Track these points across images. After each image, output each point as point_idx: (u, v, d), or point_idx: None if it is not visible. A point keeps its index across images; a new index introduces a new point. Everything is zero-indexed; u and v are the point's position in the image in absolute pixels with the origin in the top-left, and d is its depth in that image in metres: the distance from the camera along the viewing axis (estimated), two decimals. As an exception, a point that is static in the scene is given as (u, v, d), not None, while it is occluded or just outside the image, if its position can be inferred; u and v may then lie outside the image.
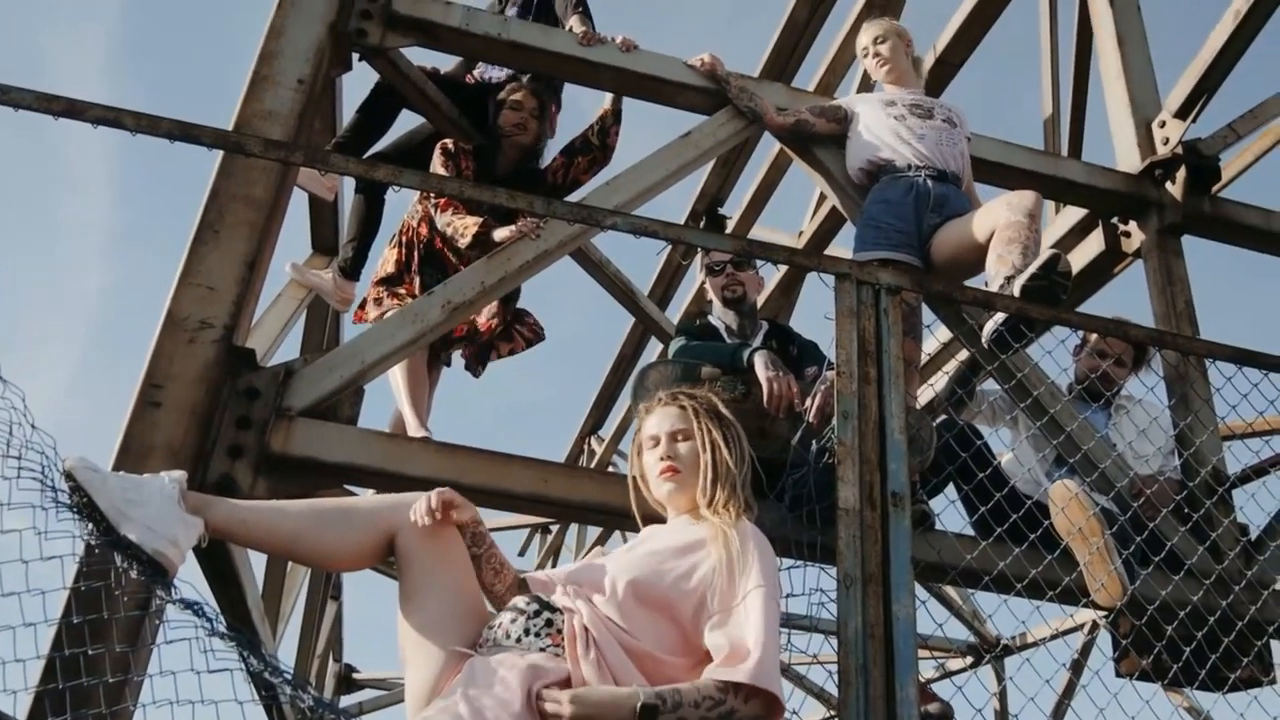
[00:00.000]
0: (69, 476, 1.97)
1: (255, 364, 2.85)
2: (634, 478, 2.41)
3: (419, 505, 2.08)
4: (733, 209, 7.95)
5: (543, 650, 1.94)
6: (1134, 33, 4.30)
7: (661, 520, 2.34)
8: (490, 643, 1.99)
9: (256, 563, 3.75)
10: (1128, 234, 4.10)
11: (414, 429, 3.54)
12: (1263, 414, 2.86)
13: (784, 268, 6.12)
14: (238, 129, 3.17)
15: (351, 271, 4.36)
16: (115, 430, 2.63)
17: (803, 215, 7.51)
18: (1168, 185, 3.99)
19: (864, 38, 3.94)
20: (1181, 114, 4.04)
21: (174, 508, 2.04)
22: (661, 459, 2.28)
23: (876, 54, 3.87)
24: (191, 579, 2.07)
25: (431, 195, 3.68)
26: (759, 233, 7.79)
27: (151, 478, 2.10)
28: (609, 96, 4.10)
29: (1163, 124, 4.11)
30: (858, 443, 2.40)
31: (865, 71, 4.14)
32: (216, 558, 2.72)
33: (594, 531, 8.64)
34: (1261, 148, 5.32)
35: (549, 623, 1.98)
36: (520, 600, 2.04)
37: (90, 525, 1.96)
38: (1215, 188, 4.11)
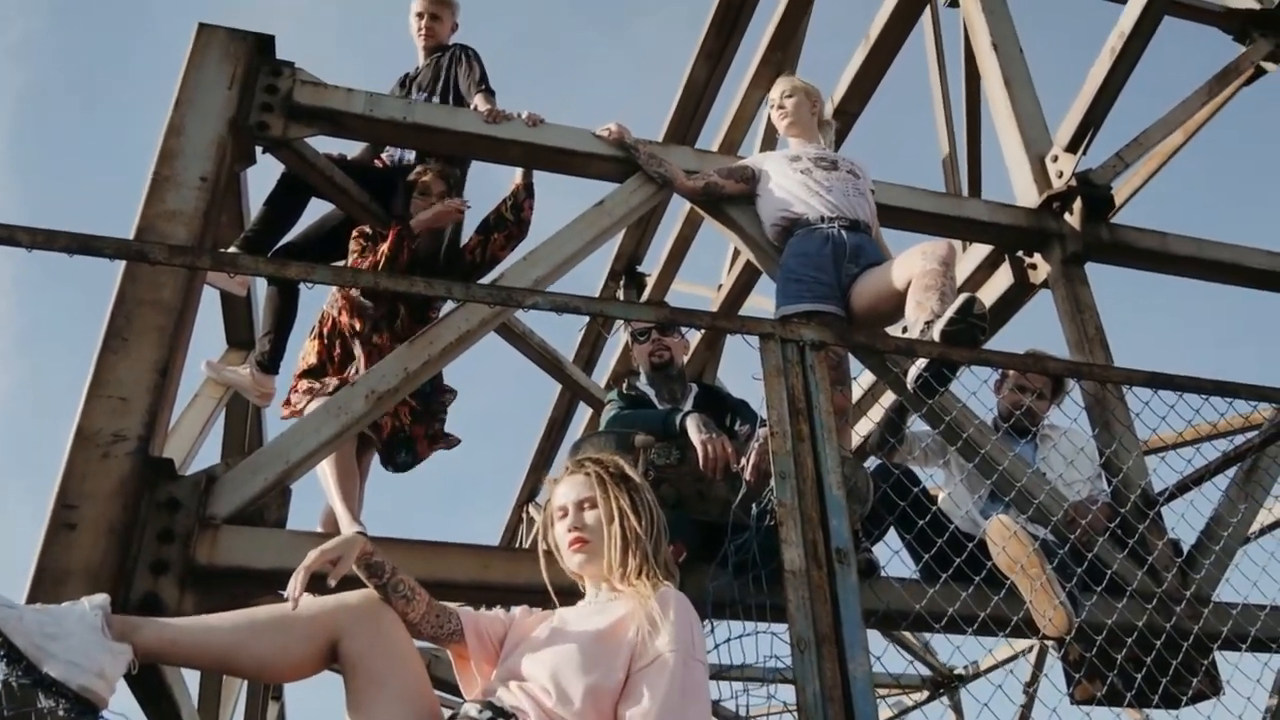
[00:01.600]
0: (-19, 618, 1.86)
1: (174, 473, 2.74)
2: (545, 551, 2.36)
3: (291, 583, 2.00)
4: (650, 266, 8.03)
5: None
6: (1019, 74, 4.48)
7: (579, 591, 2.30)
8: None
9: (191, 672, 3.59)
10: (1034, 266, 4.23)
11: (346, 525, 3.43)
12: (1182, 432, 2.94)
13: (706, 322, 6.19)
14: (141, 232, 3.09)
15: (270, 365, 4.25)
16: (27, 553, 2.51)
17: (720, 267, 7.62)
18: (1066, 216, 4.13)
19: (774, 92, 4.05)
20: (1072, 148, 4.20)
21: (98, 637, 1.93)
22: (570, 530, 2.24)
23: (781, 107, 3.98)
24: (121, 704, 1.97)
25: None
26: (678, 288, 7.87)
27: (71, 606, 1.98)
28: (520, 171, 4.10)
29: (1055, 158, 4.27)
30: (797, 502, 2.40)
31: (768, 126, 4.23)
32: (147, 678, 2.58)
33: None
34: (1148, 172, 5.59)
35: None
36: (471, 708, 1.96)
37: (10, 666, 1.84)
38: (1111, 215, 4.26)
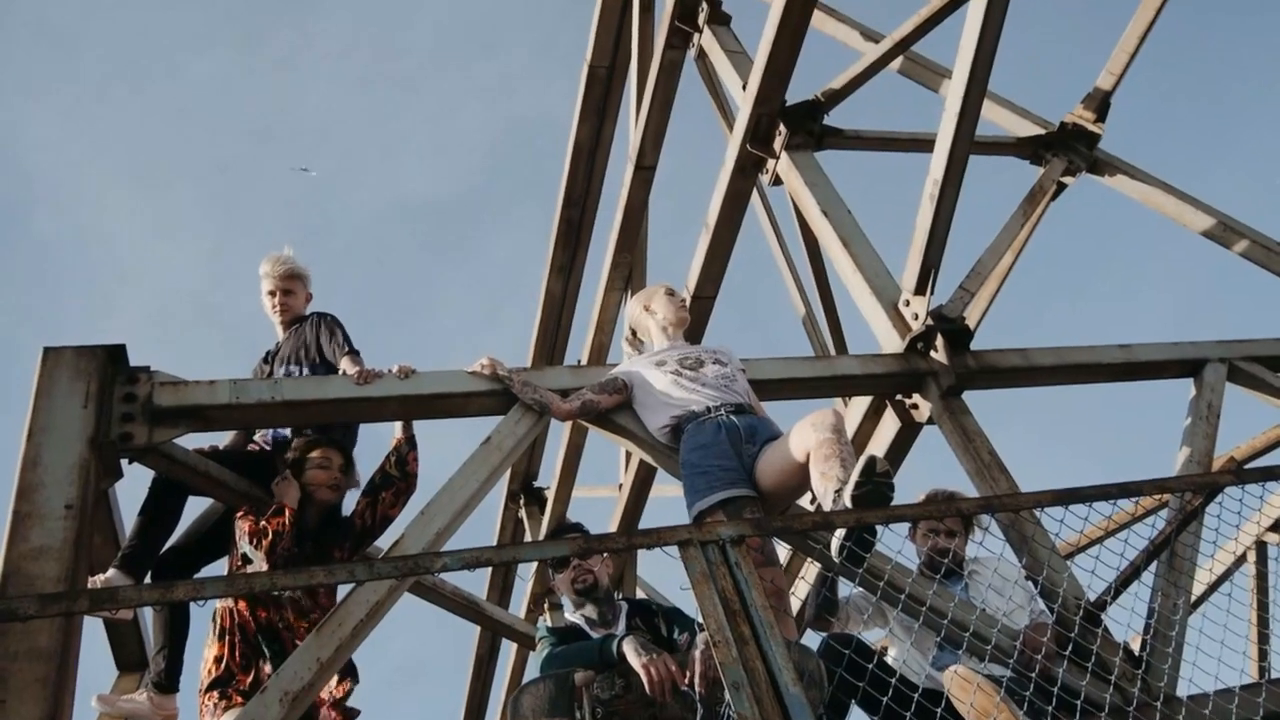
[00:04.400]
0: None
1: (77, 845, 2.44)
2: None
3: None
4: (547, 478, 7.96)
5: None
6: (853, 233, 4.74)
7: None
8: None
9: None
10: (915, 406, 4.35)
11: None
12: (1108, 520, 2.97)
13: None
14: (6, 579, 2.87)
15: (169, 684, 3.93)
16: None
17: (616, 465, 7.61)
18: (932, 354, 4.30)
19: (670, 285, 4.24)
20: (919, 290, 4.42)
21: None
22: None
23: (684, 301, 4.11)
24: None
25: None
26: (579, 494, 7.79)
27: None
28: (399, 424, 4.04)
29: (907, 303, 4.48)
30: (757, 710, 2.29)
31: (631, 330, 4.32)
32: None
33: None
34: (990, 294, 5.94)
35: None
36: None
37: None
38: (969, 343, 4.46)
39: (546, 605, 7.65)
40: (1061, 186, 6.04)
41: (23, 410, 3.34)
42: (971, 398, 4.29)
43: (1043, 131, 6.12)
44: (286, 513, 3.65)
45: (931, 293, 4.44)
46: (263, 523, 3.64)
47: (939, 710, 2.64)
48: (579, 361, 6.99)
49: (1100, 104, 6.11)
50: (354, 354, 4.01)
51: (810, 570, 4.02)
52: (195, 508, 4.12)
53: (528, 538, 7.95)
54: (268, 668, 3.52)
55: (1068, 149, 6.05)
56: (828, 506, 2.94)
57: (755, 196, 6.04)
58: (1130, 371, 4.78)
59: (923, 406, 4.30)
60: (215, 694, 3.47)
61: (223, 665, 3.55)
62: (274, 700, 2.83)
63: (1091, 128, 6.07)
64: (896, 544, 3.15)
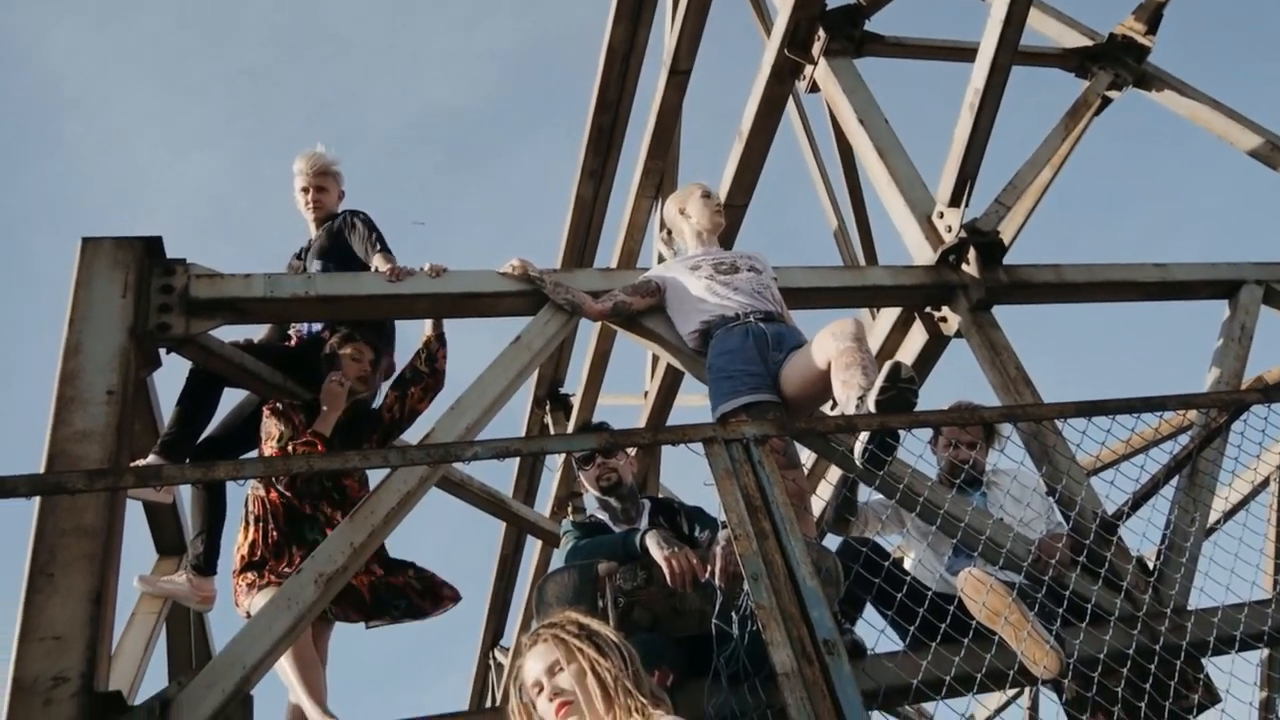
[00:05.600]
0: None
1: (124, 705, 2.58)
2: (516, 709, 2.27)
3: None
4: (573, 385, 8.05)
5: None
6: (890, 143, 4.67)
7: None
8: None
9: None
10: (944, 319, 4.35)
11: (316, 718, 3.27)
12: (1128, 438, 2.99)
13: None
14: (52, 459, 2.97)
15: (206, 567, 4.09)
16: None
17: (642, 373, 7.67)
18: (964, 267, 4.28)
19: (705, 187, 4.17)
20: (954, 202, 4.37)
21: None
22: (552, 700, 2.18)
23: (719, 209, 4.07)
24: None
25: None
26: (605, 401, 7.89)
27: None
28: (429, 322, 4.09)
29: (941, 215, 4.43)
30: (775, 601, 2.36)
31: (667, 230, 4.31)
32: None
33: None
34: (1026, 210, 5.85)
35: None
36: None
37: None
38: (1003, 258, 4.43)
39: (570, 509, 7.81)
40: (1106, 101, 5.89)
41: (49, 305, 3.41)
42: (1002, 314, 4.29)
43: (1090, 43, 5.95)
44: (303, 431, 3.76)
45: (966, 205, 4.40)
46: (288, 416, 3.75)
47: (951, 608, 2.71)
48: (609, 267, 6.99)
49: (1152, 15, 5.91)
50: (386, 251, 4.04)
51: (831, 476, 4.08)
52: (230, 400, 4.23)
53: (553, 442, 8.08)
54: (298, 553, 3.65)
55: (1115, 62, 5.89)
56: (850, 413, 2.97)
57: (791, 104, 5.94)
58: (1164, 291, 4.74)
59: (951, 319, 4.30)
60: (249, 575, 3.60)
61: (256, 550, 3.68)
62: (309, 581, 2.94)
63: (1142, 40, 5.89)
64: (917, 451, 3.18)
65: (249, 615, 3.47)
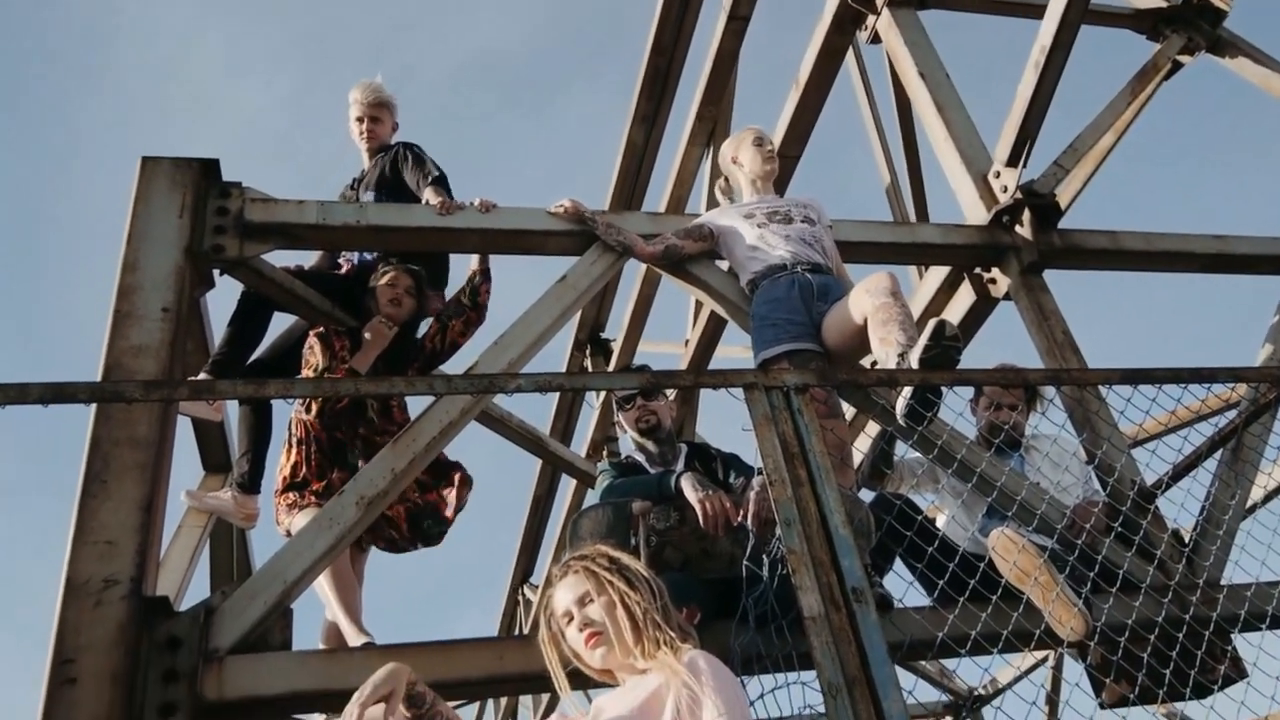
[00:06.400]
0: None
1: (171, 610, 2.68)
2: (546, 639, 2.32)
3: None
4: (614, 331, 8.07)
5: None
6: (950, 99, 4.59)
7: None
8: None
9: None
10: (993, 281, 4.30)
11: (353, 637, 3.36)
12: (1170, 415, 2.96)
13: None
14: (108, 370, 3.05)
15: (251, 486, 4.20)
16: (33, 699, 2.43)
17: (682, 322, 7.67)
18: (1017, 229, 4.21)
19: (755, 134, 4.10)
20: (1012, 162, 4.30)
21: None
22: (581, 629, 2.22)
23: (770, 157, 4.03)
24: None
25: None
26: (645, 348, 7.91)
27: None
28: (475, 256, 4.12)
29: (997, 174, 4.36)
30: (806, 547, 2.39)
31: (713, 173, 4.28)
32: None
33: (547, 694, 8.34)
34: (1085, 175, 5.73)
35: None
36: None
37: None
38: (1059, 221, 4.35)
39: (605, 452, 7.88)
40: (1177, 65, 5.71)
41: (106, 231, 3.48)
42: (1053, 280, 4.23)
43: (1164, 4, 5.76)
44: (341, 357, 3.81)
45: (1024, 166, 4.32)
46: (330, 342, 3.82)
47: (982, 566, 2.72)
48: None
49: (1230, -23, 5.71)
50: (437, 184, 4.07)
51: (871, 429, 4.09)
52: (279, 325, 4.31)
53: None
54: (339, 476, 3.73)
55: (1189, 25, 5.69)
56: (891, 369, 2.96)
57: (850, 55, 5.84)
58: (1221, 264, 4.64)
59: (1001, 281, 4.25)
60: (291, 496, 3.69)
61: (298, 472, 3.77)
62: (350, 503, 3.02)
63: (1218, 3, 5.70)
64: (958, 408, 3.16)
65: (289, 534, 3.57)
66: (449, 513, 3.86)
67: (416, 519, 3.82)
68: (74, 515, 2.74)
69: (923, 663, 7.97)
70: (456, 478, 3.89)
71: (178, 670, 2.54)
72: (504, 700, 9.99)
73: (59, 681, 2.45)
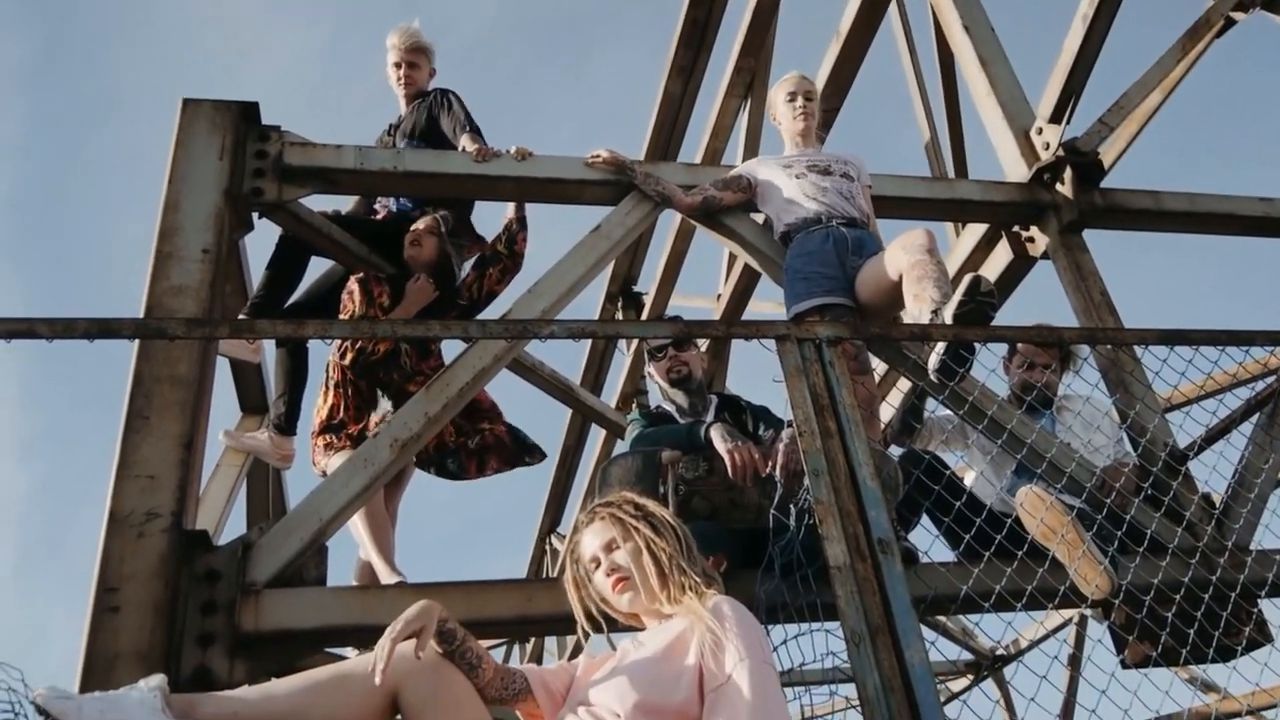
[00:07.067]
0: (42, 712, 1.86)
1: (210, 544, 2.75)
2: (572, 582, 2.37)
3: (376, 655, 1.99)
4: (646, 285, 8.06)
5: None
6: (994, 53, 4.51)
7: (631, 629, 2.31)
8: None
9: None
10: (1032, 239, 4.25)
11: (385, 575, 3.44)
12: (1204, 381, 2.94)
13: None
14: (149, 309, 3.11)
15: (287, 427, 4.27)
16: (75, 632, 2.52)
17: (714, 277, 7.65)
18: (1058, 187, 4.16)
19: (790, 86, 4.05)
20: (1055, 118, 4.23)
21: (159, 718, 1.94)
22: (608, 574, 2.26)
23: (804, 107, 3.98)
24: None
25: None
26: (676, 302, 7.90)
27: (129, 690, 1.99)
28: (512, 205, 4.13)
29: (1039, 131, 4.29)
30: (834, 498, 2.40)
31: (750, 126, 4.25)
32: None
33: (573, 638, 8.46)
34: (1130, 134, 5.61)
35: None
36: None
37: (76, 757, 1.84)
38: (1101, 180, 4.29)
39: (635, 405, 7.91)
40: (1230, 22, 5.56)
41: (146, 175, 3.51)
42: (1092, 240, 4.17)
43: (1219, -43, 5.60)
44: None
45: (1068, 122, 4.25)
46: (369, 288, 3.86)
47: (1009, 522, 2.73)
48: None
49: (1290, -72, 5.53)
50: (474, 131, 4.07)
51: (901, 386, 4.08)
52: (316, 270, 4.35)
53: (622, 340, 8.15)
54: (374, 419, 3.79)
55: (1245, -21, 5.54)
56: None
57: (893, 7, 5.73)
58: (1267, 227, 4.55)
59: (1039, 240, 4.20)
60: (327, 437, 3.76)
61: (335, 414, 3.83)
62: (384, 445, 3.07)
63: (1276, -43, 5.53)
64: (990, 365, 3.14)
65: (324, 474, 3.64)
66: (471, 471, 3.92)
67: (441, 457, 3.87)
68: (117, 450, 2.81)
69: (945, 621, 8.01)
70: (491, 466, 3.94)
71: (216, 602, 2.62)
72: (529, 647, 10.17)
73: (102, 609, 2.54)
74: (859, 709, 2.18)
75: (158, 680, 2.02)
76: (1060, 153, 4.13)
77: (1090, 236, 4.18)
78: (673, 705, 1.96)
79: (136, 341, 2.92)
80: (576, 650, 5.13)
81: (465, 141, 3.99)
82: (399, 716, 2.08)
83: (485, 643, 2.94)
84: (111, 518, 2.69)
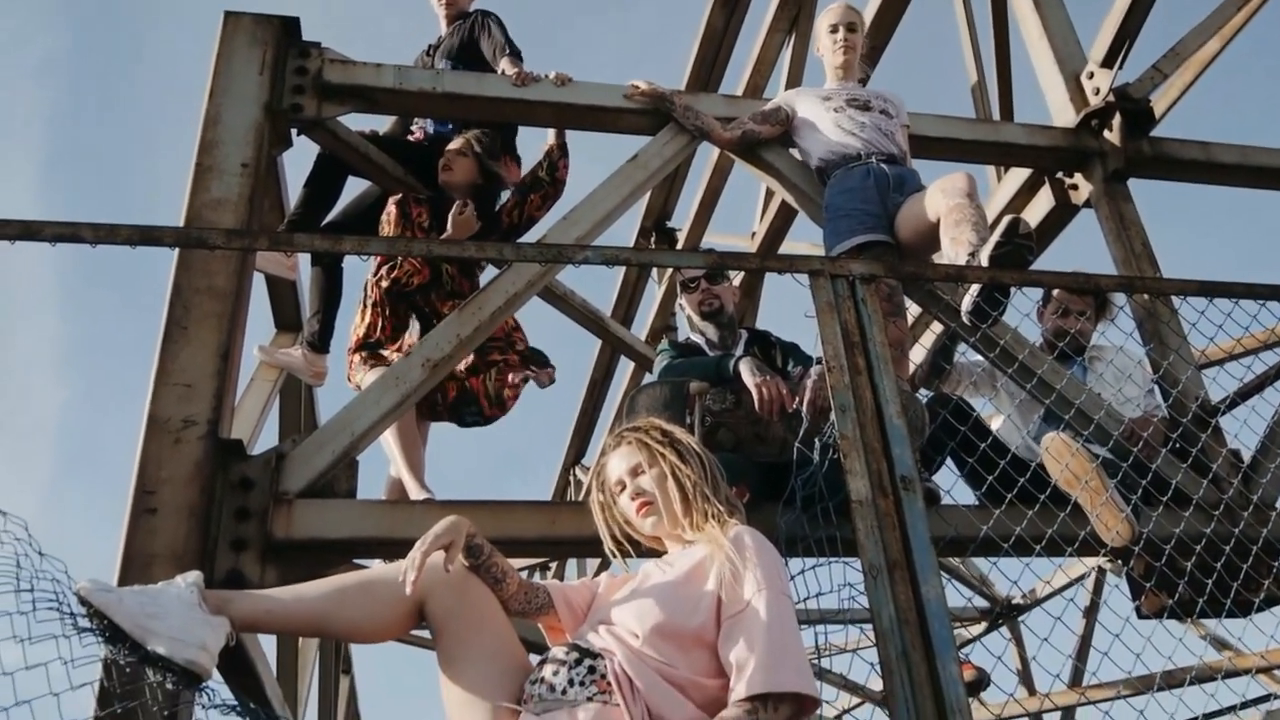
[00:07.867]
0: (84, 602, 1.93)
1: (244, 453, 2.82)
2: (597, 504, 2.41)
3: (405, 568, 2.03)
4: (680, 220, 8.01)
5: (590, 699, 1.92)
6: (1048, -9, 4.40)
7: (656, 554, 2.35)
8: (535, 698, 1.96)
9: (267, 648, 3.68)
10: (1075, 186, 4.18)
11: (414, 491, 3.50)
12: (1244, 336, 2.91)
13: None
14: (188, 222, 3.15)
15: (321, 345, 4.32)
16: (110, 540, 2.59)
17: (749, 216, 7.58)
18: (1105, 134, 4.08)
19: (833, 17, 3.97)
20: (1107, 63, 4.13)
21: (196, 612, 2.01)
22: (633, 498, 2.29)
23: (847, 40, 3.91)
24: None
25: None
26: (710, 239, 7.85)
27: (167, 585, 2.06)
28: (552, 131, 4.11)
29: (1091, 75, 4.20)
30: (859, 434, 2.42)
31: (794, 59, 4.17)
32: (231, 651, 2.68)
33: (594, 561, 8.60)
34: (1185, 83, 5.46)
35: (591, 669, 1.96)
36: (559, 650, 2.03)
37: (116, 646, 1.92)
38: (1151, 129, 4.20)
39: (665, 340, 7.91)
40: (1297, -31, 5.38)
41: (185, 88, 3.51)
42: (1138, 190, 4.10)
43: (1290, -100, 5.39)
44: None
45: (1120, 68, 4.15)
46: (407, 209, 3.86)
47: (1033, 465, 2.74)
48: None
49: None
50: (514, 55, 4.04)
51: (934, 329, 4.06)
52: (352, 190, 4.37)
53: (654, 273, 8.14)
54: (409, 339, 3.83)
55: (1314, -76, 5.33)
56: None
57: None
58: (1320, 182, 4.45)
59: (1082, 188, 4.14)
60: (363, 354, 3.80)
61: (372, 333, 3.87)
62: (416, 364, 3.11)
63: (1350, -99, 5.31)
64: (1024, 309, 3.12)
65: (359, 389, 3.69)
66: (490, 410, 3.94)
67: (459, 405, 3.89)
68: (155, 358, 2.87)
69: (962, 566, 8.06)
70: (513, 379, 3.93)
71: (249, 509, 2.69)
72: (550, 573, 10.35)
73: (140, 510, 2.61)
74: (872, 641, 2.22)
75: (194, 576, 2.09)
76: (1110, 98, 4.05)
77: (1137, 187, 4.11)
78: (690, 629, 2.01)
79: (176, 252, 2.96)
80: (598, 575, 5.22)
81: (505, 65, 3.96)
82: (423, 623, 2.15)
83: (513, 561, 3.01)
84: (151, 422, 2.75)
